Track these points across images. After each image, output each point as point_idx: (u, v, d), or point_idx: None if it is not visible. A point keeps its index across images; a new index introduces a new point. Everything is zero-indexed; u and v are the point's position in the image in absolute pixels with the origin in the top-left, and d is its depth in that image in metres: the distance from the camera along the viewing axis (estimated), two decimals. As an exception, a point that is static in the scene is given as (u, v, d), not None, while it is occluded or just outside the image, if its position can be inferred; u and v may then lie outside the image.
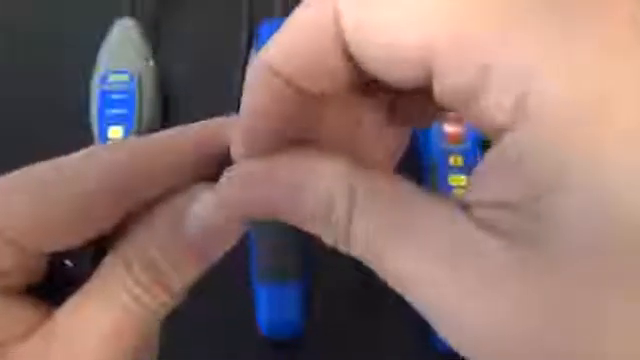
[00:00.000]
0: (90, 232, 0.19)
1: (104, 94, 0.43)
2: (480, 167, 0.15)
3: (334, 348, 0.41)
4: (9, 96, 0.46)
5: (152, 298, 0.19)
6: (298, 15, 0.16)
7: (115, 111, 0.43)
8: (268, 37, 0.17)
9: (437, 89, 0.15)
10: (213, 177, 0.19)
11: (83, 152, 0.20)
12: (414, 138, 0.44)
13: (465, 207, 0.15)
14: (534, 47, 0.13)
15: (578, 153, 0.13)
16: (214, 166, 0.20)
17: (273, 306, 0.38)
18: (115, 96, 0.43)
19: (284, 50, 0.16)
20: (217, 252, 0.20)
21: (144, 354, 0.20)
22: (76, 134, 0.43)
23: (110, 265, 0.19)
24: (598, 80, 0.13)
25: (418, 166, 0.43)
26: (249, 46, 0.46)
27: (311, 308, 0.39)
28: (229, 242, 0.20)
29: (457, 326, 0.15)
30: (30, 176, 0.19)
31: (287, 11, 0.23)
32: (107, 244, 0.20)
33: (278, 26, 0.17)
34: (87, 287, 0.19)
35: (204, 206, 0.19)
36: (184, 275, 0.20)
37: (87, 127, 0.43)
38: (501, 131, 0.14)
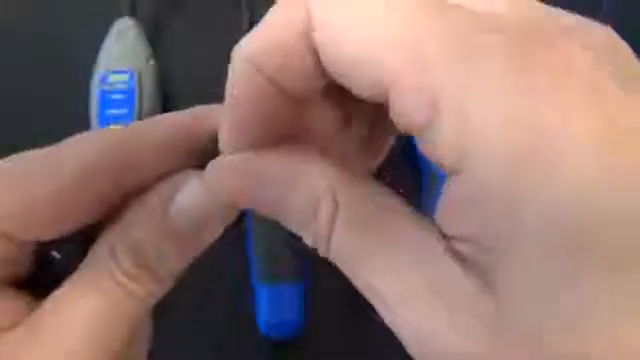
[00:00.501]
0: (75, 222, 0.19)
1: (104, 94, 0.43)
2: (440, 201, 0.15)
3: (333, 348, 0.41)
4: (9, 96, 0.46)
5: (139, 286, 0.19)
6: (271, 13, 0.16)
7: (115, 111, 0.43)
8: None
9: (391, 111, 0.15)
10: (202, 166, 0.19)
11: (69, 140, 0.19)
12: (414, 140, 0.44)
13: (444, 236, 0.15)
14: (480, 91, 0.13)
15: (528, 189, 0.13)
16: (202, 155, 0.19)
17: (273, 306, 0.38)
18: (115, 96, 0.43)
19: (262, 44, 0.16)
20: (203, 240, 0.20)
21: (134, 344, 0.20)
22: (76, 134, 0.43)
23: (96, 253, 0.19)
24: (541, 126, 0.13)
25: (417, 168, 0.43)
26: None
27: (311, 308, 0.39)
28: (215, 230, 0.20)
29: (429, 349, 0.15)
30: (16, 166, 0.19)
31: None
32: (95, 234, 0.20)
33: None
34: (74, 277, 0.19)
35: (189, 193, 0.19)
36: (170, 262, 0.20)
37: (87, 127, 0.43)
38: (448, 169, 0.14)
